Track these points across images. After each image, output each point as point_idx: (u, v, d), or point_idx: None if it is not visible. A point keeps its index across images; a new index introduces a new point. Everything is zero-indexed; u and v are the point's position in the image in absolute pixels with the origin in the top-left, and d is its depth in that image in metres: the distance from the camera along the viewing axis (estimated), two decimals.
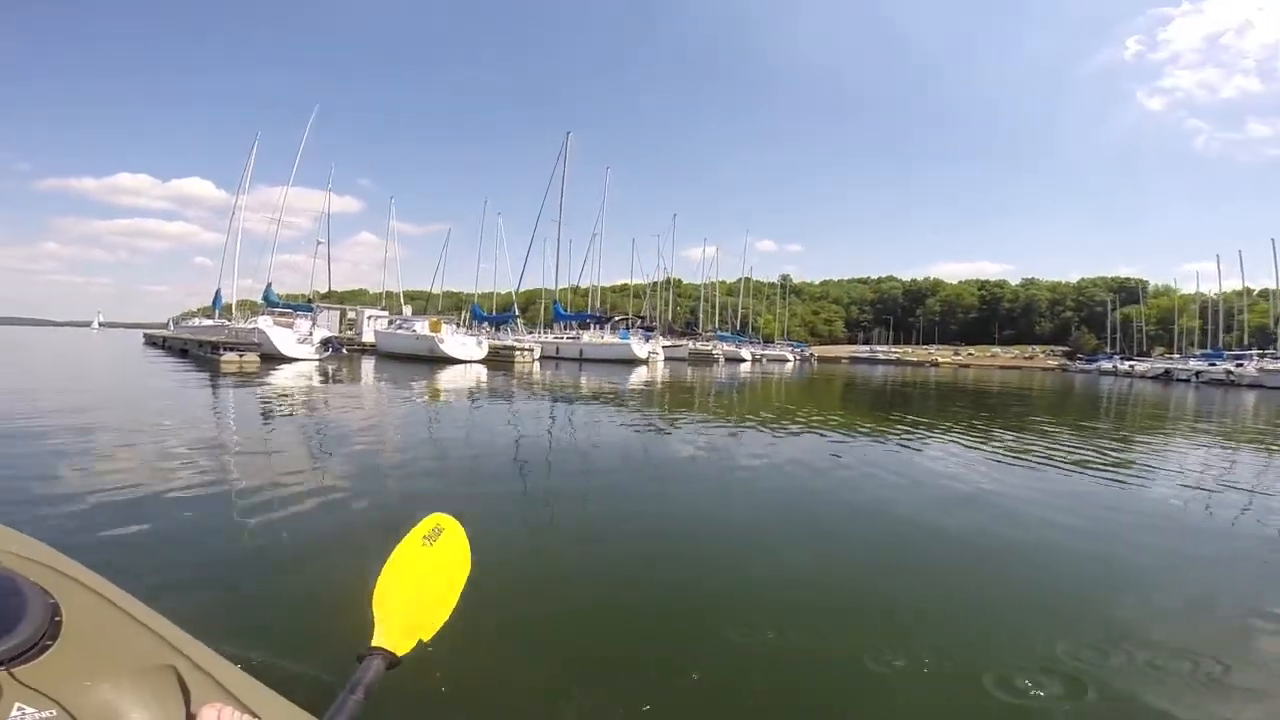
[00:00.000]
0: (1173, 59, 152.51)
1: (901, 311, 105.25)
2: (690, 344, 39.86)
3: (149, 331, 39.82)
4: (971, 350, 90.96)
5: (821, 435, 8.02)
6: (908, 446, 7.30)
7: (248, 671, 1.00)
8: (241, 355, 17.19)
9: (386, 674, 1.00)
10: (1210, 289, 73.43)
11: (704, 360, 37.65)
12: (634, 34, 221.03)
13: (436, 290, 45.91)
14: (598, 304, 42.12)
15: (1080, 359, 70.31)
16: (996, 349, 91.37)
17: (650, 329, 36.47)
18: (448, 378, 16.64)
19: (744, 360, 42.18)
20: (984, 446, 7.52)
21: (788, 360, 49.75)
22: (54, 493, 3.75)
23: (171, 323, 42.20)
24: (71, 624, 0.96)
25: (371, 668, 0.98)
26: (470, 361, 23.19)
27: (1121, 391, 25.11)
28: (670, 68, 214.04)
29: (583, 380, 17.59)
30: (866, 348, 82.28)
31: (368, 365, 20.63)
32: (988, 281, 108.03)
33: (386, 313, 31.35)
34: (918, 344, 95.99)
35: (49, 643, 0.90)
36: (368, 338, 27.17)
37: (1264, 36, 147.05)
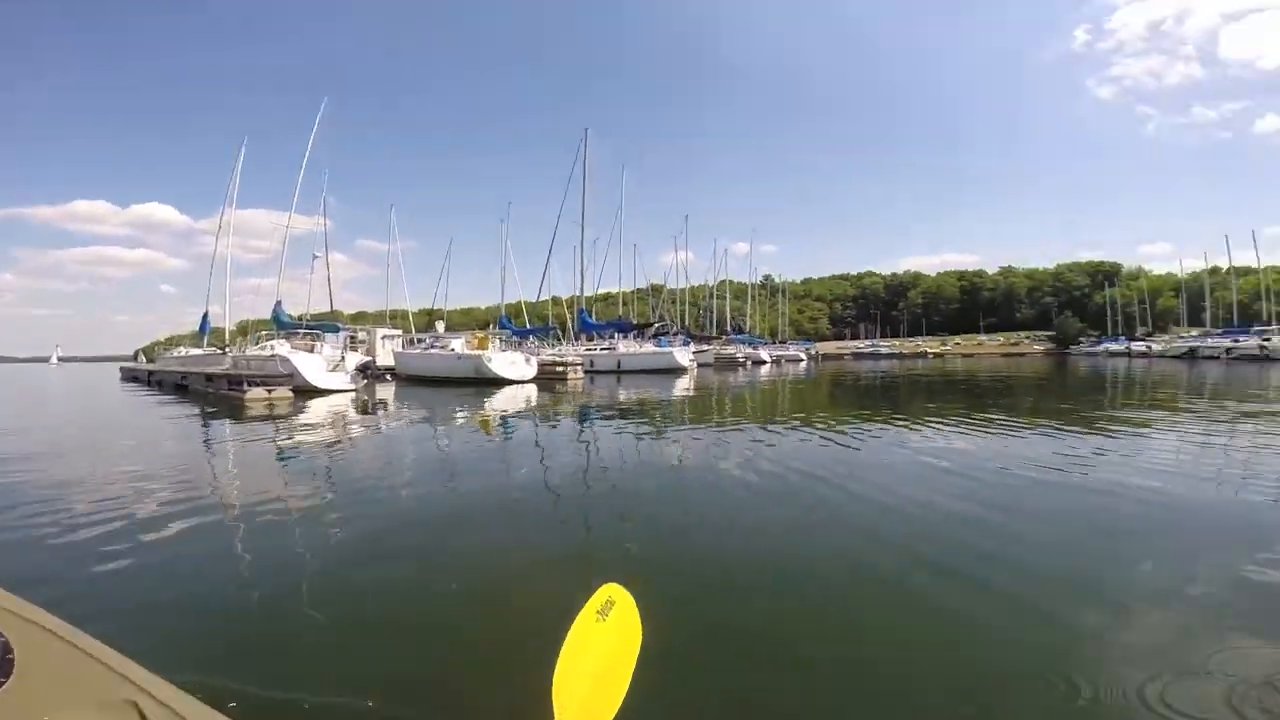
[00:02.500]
0: (1119, 48, 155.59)
1: (884, 306, 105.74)
2: (715, 349, 37.92)
3: (127, 365, 35.24)
4: (958, 340, 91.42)
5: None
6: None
7: (217, 709, 1.00)
8: (271, 390, 14.39)
9: None
10: (1171, 269, 76.11)
11: (729, 364, 35.93)
12: (605, 40, 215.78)
13: (439, 306, 42.61)
14: (608, 310, 39.79)
15: (1084, 341, 71.18)
16: (982, 337, 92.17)
17: (689, 336, 34.34)
18: (507, 401, 14.42)
19: (765, 362, 40.42)
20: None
21: (801, 359, 48.43)
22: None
23: (141, 355, 37.92)
24: (25, 662, 0.98)
25: None
26: (522, 382, 20.60)
27: (1164, 373, 24.20)
28: (637, 71, 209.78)
29: (648, 394, 16.69)
30: (868, 343, 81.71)
31: (394, 392, 17.93)
32: (966, 272, 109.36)
33: (399, 332, 28.38)
34: (904, 337, 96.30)
35: (2, 680, 0.93)
36: (383, 360, 24.28)
37: (1201, 22, 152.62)
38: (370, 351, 25.65)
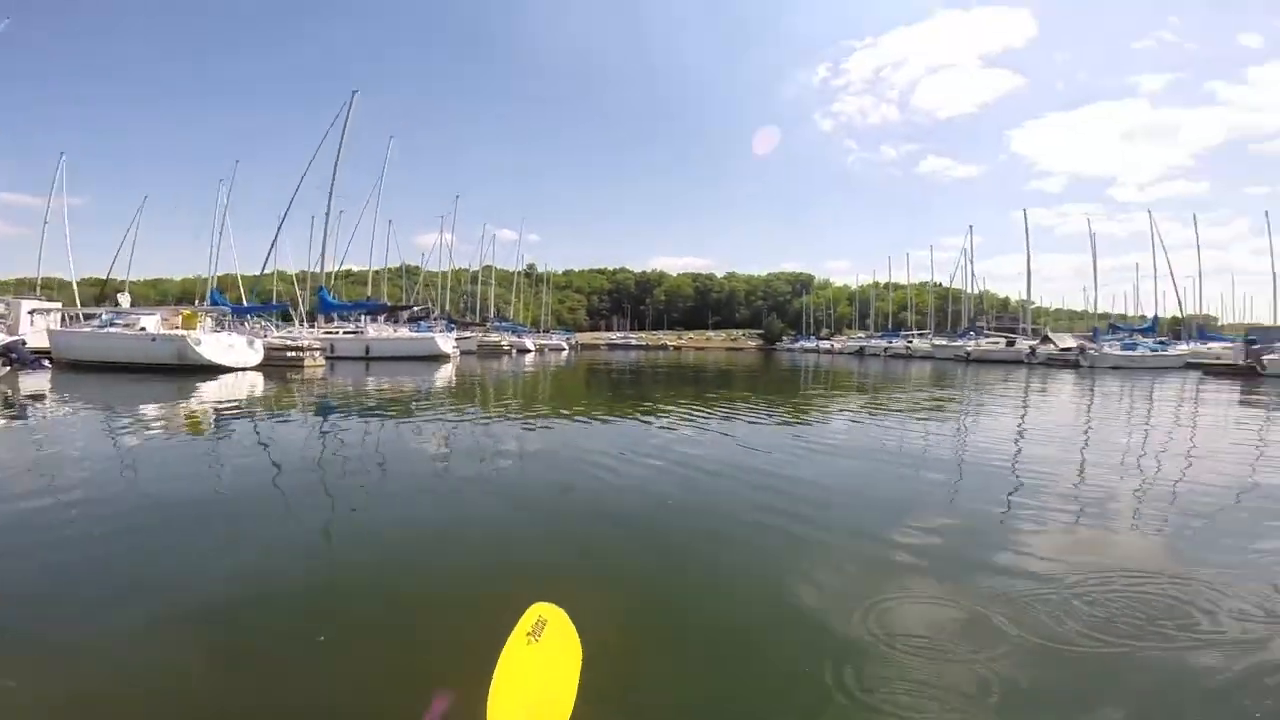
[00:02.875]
0: (846, 86, 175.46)
1: (634, 301, 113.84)
2: (479, 336, 36.76)
3: None
4: (691, 334, 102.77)
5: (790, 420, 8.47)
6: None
7: None
8: None
9: None
10: (849, 281, 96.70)
11: (494, 352, 35.23)
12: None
13: (119, 276, 33.38)
14: (343, 291, 35.77)
15: (786, 339, 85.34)
16: (710, 333, 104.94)
17: (451, 322, 32.40)
18: (223, 394, 12.18)
19: (530, 350, 40.55)
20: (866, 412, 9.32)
21: (564, 349, 49.76)
22: None
23: None
24: None
25: None
26: (244, 369, 17.32)
27: (841, 366, 31.49)
28: (415, 46, 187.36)
29: (409, 382, 15.79)
30: (620, 335, 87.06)
31: (51, 382, 13.73)
32: (700, 274, 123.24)
33: (59, 305, 21.57)
34: (649, 330, 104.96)
35: None
36: (35, 341, 18.24)
37: (910, 72, 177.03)
38: (13, 330, 19.25)
